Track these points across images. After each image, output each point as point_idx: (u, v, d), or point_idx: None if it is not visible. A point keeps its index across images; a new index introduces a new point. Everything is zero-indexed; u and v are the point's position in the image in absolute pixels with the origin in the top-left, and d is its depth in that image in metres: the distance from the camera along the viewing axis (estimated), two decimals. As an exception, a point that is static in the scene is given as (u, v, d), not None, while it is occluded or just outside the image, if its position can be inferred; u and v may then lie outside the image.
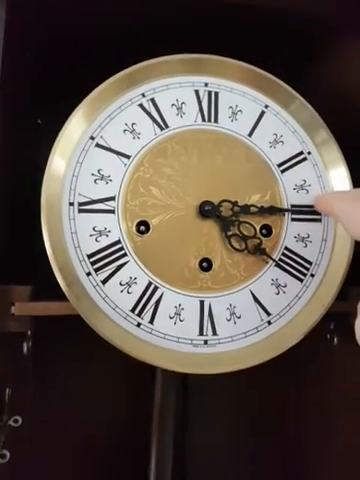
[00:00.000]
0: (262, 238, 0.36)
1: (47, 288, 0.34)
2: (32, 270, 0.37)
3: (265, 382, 0.49)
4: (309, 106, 0.38)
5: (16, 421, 0.39)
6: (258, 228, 0.37)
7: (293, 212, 0.37)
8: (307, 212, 0.38)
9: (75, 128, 0.34)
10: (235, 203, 0.36)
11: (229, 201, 0.36)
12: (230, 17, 0.38)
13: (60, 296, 0.33)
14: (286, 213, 0.37)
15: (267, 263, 0.36)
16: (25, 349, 0.35)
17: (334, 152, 0.38)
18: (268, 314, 0.35)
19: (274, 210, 0.37)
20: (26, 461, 0.39)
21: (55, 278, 0.33)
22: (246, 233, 0.36)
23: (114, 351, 0.33)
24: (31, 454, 0.41)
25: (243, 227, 0.36)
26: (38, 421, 0.41)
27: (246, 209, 0.36)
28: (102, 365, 0.45)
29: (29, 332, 0.35)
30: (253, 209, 0.36)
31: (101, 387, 0.46)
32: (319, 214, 0.38)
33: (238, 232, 0.36)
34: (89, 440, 0.46)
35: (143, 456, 0.39)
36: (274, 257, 0.36)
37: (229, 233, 0.36)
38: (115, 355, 0.33)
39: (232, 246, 0.36)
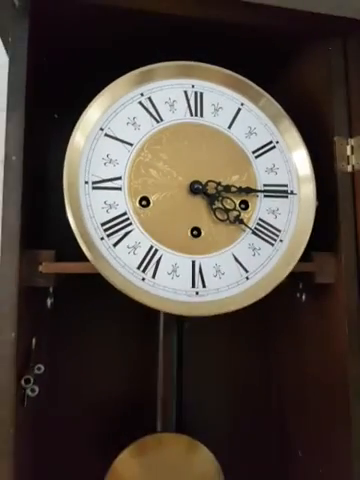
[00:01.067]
0: (241, 211, 0.45)
1: (66, 253, 0.42)
2: (55, 239, 0.44)
3: (248, 332, 0.58)
4: (274, 101, 0.47)
5: (39, 369, 0.46)
6: (237, 203, 0.45)
7: (264, 192, 0.46)
8: (276, 191, 0.47)
9: (91, 115, 0.42)
10: (219, 183, 0.45)
11: (214, 181, 0.45)
12: (215, 32, 0.46)
13: (76, 259, 0.41)
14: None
15: (245, 231, 0.45)
16: (48, 304, 0.43)
17: (296, 137, 0.47)
18: (246, 271, 0.44)
19: (249, 190, 0.46)
20: (48, 401, 0.46)
21: (72, 245, 0.40)
22: (228, 207, 0.45)
23: (124, 301, 0.40)
24: (51, 396, 0.48)
25: (225, 202, 0.45)
26: (59, 368, 0.48)
27: (227, 188, 0.45)
28: (113, 317, 0.52)
29: (51, 289, 0.43)
30: (233, 189, 0.45)
31: (113, 335, 0.54)
32: (286, 192, 0.47)
33: (221, 206, 0.44)
34: (102, 379, 0.54)
35: (149, 389, 0.47)
36: (250, 226, 0.45)
37: (214, 207, 0.44)
38: (125, 308, 0.41)
39: (217, 217, 0.44)
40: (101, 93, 0.42)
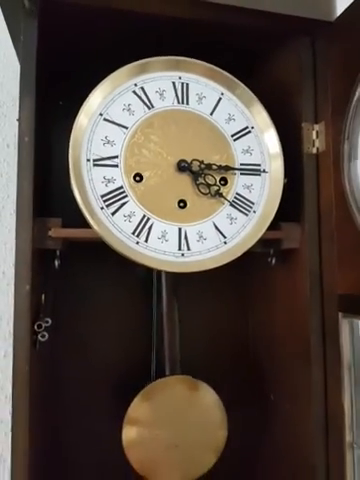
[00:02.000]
0: (220, 186, 0.53)
1: (70, 221, 0.49)
2: (61, 209, 0.51)
3: (230, 292, 0.68)
4: (248, 90, 0.54)
5: (47, 322, 0.53)
6: (218, 179, 0.53)
7: (241, 170, 0.54)
8: (251, 169, 0.54)
9: (93, 100, 0.49)
10: (202, 162, 0.52)
11: (198, 160, 0.52)
12: (200, 31, 0.53)
13: (78, 226, 0.48)
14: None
15: (224, 203, 0.53)
16: (56, 264, 0.50)
17: (266, 119, 0.54)
18: (224, 237, 0.52)
19: (228, 168, 0.53)
20: (54, 348, 0.54)
21: (76, 214, 0.48)
22: (209, 182, 0.52)
23: (120, 264, 0.48)
24: (58, 344, 0.56)
25: (208, 178, 0.52)
26: (63, 322, 0.56)
27: (209, 166, 0.52)
28: (112, 277, 0.60)
29: (58, 252, 0.50)
30: (214, 167, 0.52)
31: (112, 293, 0.62)
32: (259, 170, 0.54)
33: (204, 182, 0.52)
34: (100, 334, 0.62)
35: (141, 342, 0.55)
36: (229, 199, 0.53)
37: (198, 182, 0.52)
38: (122, 268, 0.49)
39: (200, 191, 0.52)
40: (102, 81, 0.49)
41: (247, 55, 0.61)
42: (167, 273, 0.59)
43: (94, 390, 0.62)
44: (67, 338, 0.61)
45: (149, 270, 0.57)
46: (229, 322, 0.70)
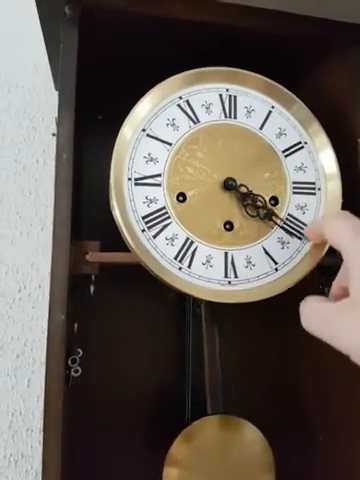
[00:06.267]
0: (271, 208, 0.48)
1: (110, 244, 0.45)
2: (100, 231, 0.47)
3: (273, 321, 0.62)
4: (305, 107, 0.50)
5: (77, 353, 0.49)
6: (268, 199, 0.48)
7: (294, 189, 0.49)
8: (304, 188, 0.49)
9: (139, 111, 0.46)
10: (251, 192, 0.47)
11: (246, 187, 0.47)
12: (249, 40, 0.49)
13: (118, 250, 0.44)
14: (288, 187, 0.49)
15: (274, 226, 0.48)
16: (91, 291, 0.46)
17: (323, 139, 0.50)
18: (275, 263, 0.47)
19: (270, 213, 0.46)
20: (87, 380, 0.50)
21: (115, 237, 0.44)
22: (258, 204, 0.47)
23: (157, 292, 0.43)
24: (91, 377, 0.52)
25: (257, 199, 0.48)
26: (96, 353, 0.52)
27: (254, 198, 0.47)
28: (148, 306, 0.56)
29: (93, 277, 0.46)
30: (259, 203, 0.47)
31: (147, 323, 0.58)
32: (314, 189, 0.49)
33: (252, 202, 0.47)
34: (134, 366, 0.57)
35: (178, 375, 0.50)
36: (280, 221, 0.48)
37: (245, 203, 0.47)
38: (160, 297, 0.44)
39: (248, 213, 0.47)
40: (151, 90, 0.46)
41: (295, 65, 0.57)
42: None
43: (126, 425, 0.57)
44: (98, 369, 0.56)
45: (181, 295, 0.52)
46: (270, 353, 0.64)
